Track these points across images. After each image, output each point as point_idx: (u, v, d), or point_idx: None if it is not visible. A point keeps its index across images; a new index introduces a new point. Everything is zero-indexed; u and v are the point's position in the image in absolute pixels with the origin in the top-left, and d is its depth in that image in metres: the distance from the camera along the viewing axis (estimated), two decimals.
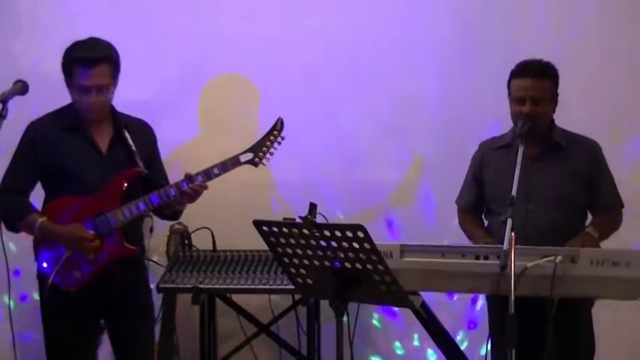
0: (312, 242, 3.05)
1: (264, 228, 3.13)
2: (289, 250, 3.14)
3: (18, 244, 4.08)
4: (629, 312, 4.43)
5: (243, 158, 3.99)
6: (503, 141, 3.99)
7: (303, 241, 3.08)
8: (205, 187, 3.90)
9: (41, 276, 3.88)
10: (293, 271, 3.23)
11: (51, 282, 3.79)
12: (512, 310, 3.19)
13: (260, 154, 4.03)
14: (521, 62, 3.91)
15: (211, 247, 4.62)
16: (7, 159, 3.95)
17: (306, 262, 3.14)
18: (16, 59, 4.97)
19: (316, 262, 3.11)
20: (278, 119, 4.09)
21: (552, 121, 3.94)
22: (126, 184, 3.85)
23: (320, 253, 3.06)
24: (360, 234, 2.93)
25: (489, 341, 3.72)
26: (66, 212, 3.84)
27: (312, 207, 4.17)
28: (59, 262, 3.79)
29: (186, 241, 4.62)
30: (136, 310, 3.95)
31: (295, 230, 3.07)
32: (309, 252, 3.09)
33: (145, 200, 3.85)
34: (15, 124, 3.77)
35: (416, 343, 4.93)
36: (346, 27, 4.91)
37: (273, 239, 3.14)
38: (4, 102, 3.61)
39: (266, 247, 3.21)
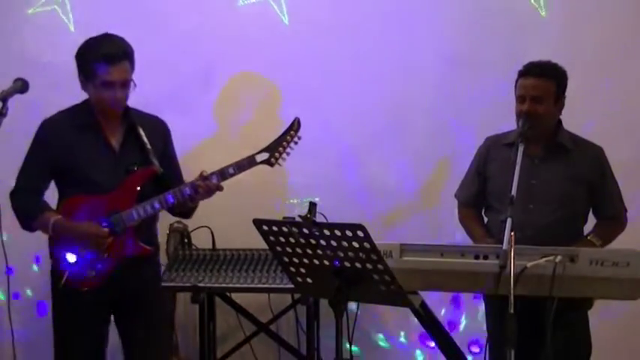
0: (312, 241, 3.05)
1: (264, 227, 3.13)
2: (289, 249, 3.14)
3: (10, 242, 4.06)
4: (628, 312, 4.43)
5: (259, 158, 3.94)
6: (509, 139, 3.97)
7: (302, 241, 3.07)
8: (220, 188, 3.85)
9: (55, 274, 3.85)
10: (292, 270, 3.23)
11: (65, 280, 3.77)
12: (512, 310, 3.20)
13: (276, 154, 3.97)
14: (529, 62, 3.91)
15: (211, 246, 4.63)
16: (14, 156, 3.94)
17: (305, 261, 3.14)
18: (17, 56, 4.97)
19: (316, 262, 3.11)
20: (295, 119, 4.04)
21: (559, 122, 3.93)
22: (141, 183, 3.83)
23: (320, 252, 3.06)
24: (360, 233, 2.93)
25: (488, 342, 3.72)
26: (80, 210, 3.81)
27: (312, 206, 4.18)
28: (74, 261, 3.78)
29: (186, 240, 4.63)
30: (148, 307, 3.91)
31: (295, 229, 3.07)
32: (309, 251, 3.09)
33: (160, 199, 3.81)
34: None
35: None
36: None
37: (272, 238, 3.14)
38: (4, 100, 3.59)
39: (266, 246, 3.20)
